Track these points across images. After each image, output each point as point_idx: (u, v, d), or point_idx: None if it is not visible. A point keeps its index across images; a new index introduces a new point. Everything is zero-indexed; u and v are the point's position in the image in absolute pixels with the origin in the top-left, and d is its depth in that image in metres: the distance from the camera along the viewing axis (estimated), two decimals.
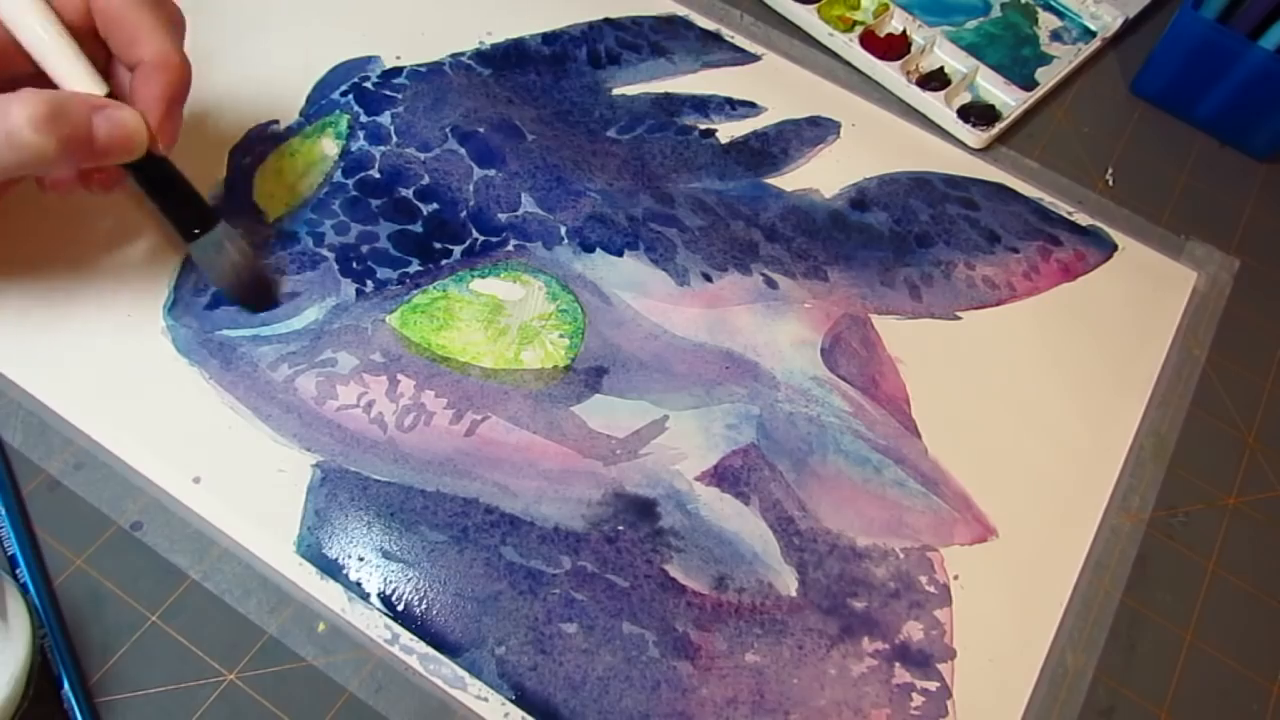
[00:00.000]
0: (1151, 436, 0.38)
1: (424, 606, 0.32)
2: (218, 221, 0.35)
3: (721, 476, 0.35)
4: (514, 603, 0.32)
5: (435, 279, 0.38)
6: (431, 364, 0.36)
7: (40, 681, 0.28)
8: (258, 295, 0.36)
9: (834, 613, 0.33)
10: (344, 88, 0.43)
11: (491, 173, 0.41)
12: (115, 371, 0.35)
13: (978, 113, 0.46)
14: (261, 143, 0.41)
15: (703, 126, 0.44)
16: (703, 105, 0.45)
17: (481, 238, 0.39)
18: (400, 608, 0.31)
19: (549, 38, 0.46)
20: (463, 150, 0.42)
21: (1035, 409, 0.38)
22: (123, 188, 0.34)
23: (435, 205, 0.40)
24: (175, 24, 0.33)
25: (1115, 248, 0.43)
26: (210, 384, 0.35)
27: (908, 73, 0.47)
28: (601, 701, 0.31)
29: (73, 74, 0.31)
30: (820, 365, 0.38)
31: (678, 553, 0.33)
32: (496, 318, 0.37)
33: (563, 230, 0.40)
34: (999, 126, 0.45)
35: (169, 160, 0.33)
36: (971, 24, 0.50)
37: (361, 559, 0.32)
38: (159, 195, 0.34)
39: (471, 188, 0.41)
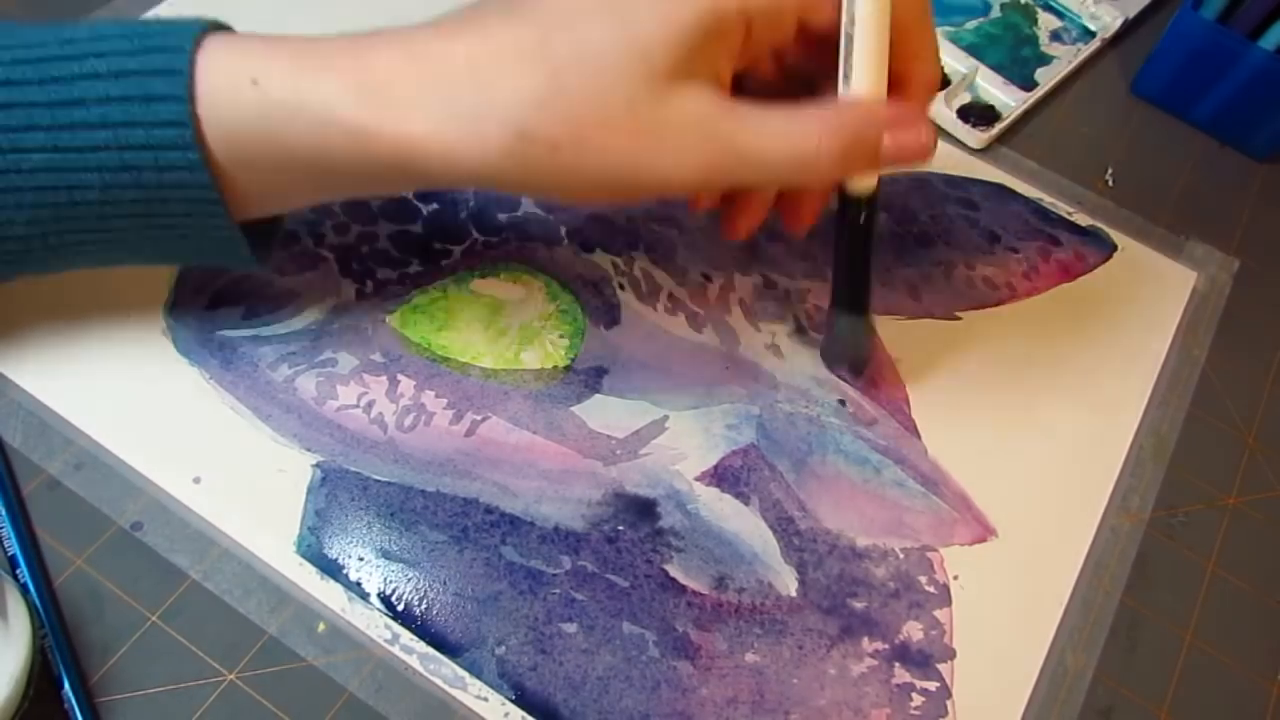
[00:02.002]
0: (1151, 436, 0.38)
1: (424, 606, 0.32)
2: (867, 311, 0.35)
3: (721, 476, 0.35)
4: (514, 602, 0.32)
5: (435, 279, 0.38)
6: (431, 364, 0.36)
7: (40, 681, 0.28)
8: (851, 373, 0.38)
9: (834, 613, 0.33)
10: None
11: None
12: (115, 371, 0.35)
13: (978, 113, 0.46)
14: None
15: None
16: None
17: (481, 238, 0.39)
18: (400, 608, 0.31)
19: None
20: None
21: (1035, 409, 0.38)
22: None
23: (435, 205, 0.40)
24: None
25: (1115, 248, 0.43)
26: (210, 384, 0.35)
27: None
28: (601, 701, 0.31)
29: (871, 71, 0.29)
30: (820, 365, 0.38)
31: (678, 553, 0.33)
32: (496, 318, 0.37)
33: (563, 230, 0.40)
34: (999, 127, 0.45)
35: (877, 211, 0.33)
36: (971, 24, 0.50)
37: (361, 559, 0.32)
38: (850, 246, 0.33)
39: (471, 187, 0.41)
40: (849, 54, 0.29)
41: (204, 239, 0.29)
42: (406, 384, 0.36)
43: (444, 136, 0.26)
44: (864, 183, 0.32)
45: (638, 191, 0.27)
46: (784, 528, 0.34)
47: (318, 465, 0.34)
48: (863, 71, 0.29)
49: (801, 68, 0.31)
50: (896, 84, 0.30)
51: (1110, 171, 0.46)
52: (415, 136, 0.26)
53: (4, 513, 0.32)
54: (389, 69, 0.26)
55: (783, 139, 0.27)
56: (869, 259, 0.34)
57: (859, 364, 0.37)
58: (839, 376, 0.37)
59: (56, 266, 0.30)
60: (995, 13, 0.51)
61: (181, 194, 0.27)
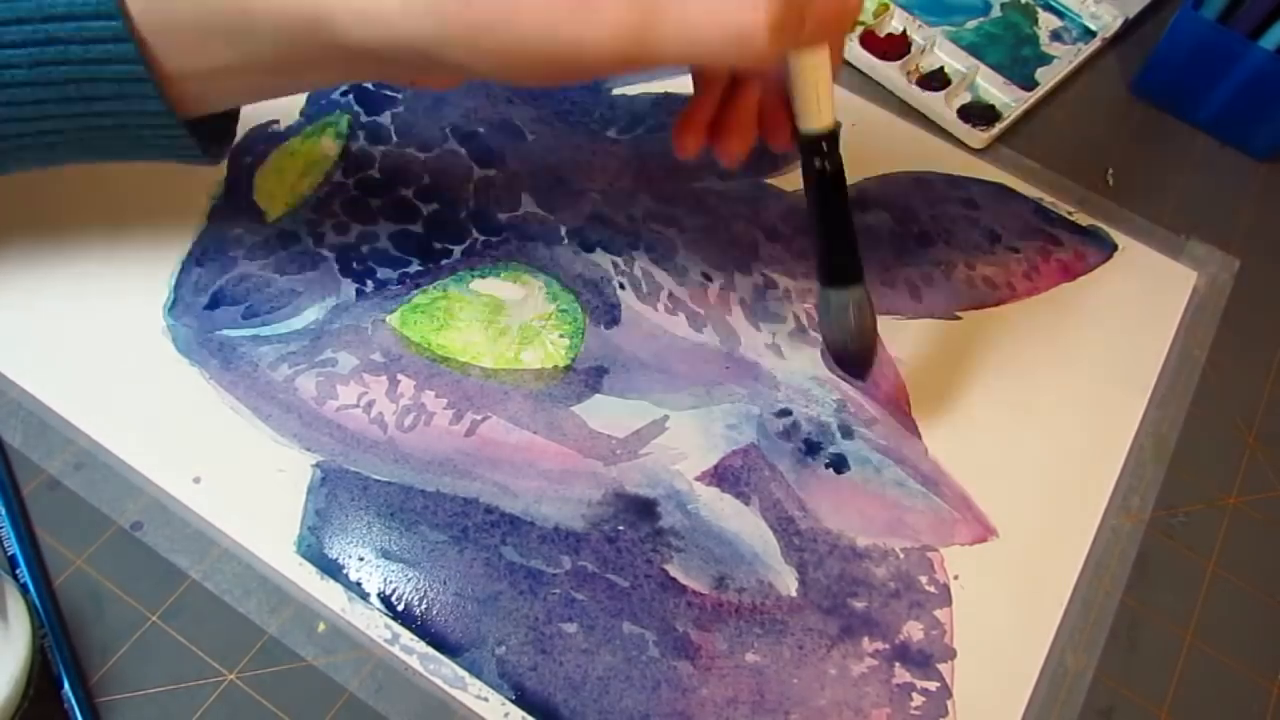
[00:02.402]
0: (1151, 436, 0.38)
1: (424, 606, 0.32)
2: (861, 280, 0.32)
3: (721, 476, 0.35)
4: (514, 602, 0.32)
5: (435, 279, 0.38)
6: (431, 364, 0.36)
7: (40, 681, 0.28)
8: (858, 365, 0.35)
9: (834, 613, 0.33)
10: (344, 87, 0.43)
11: (492, 172, 0.41)
12: (115, 372, 0.35)
13: (978, 113, 0.46)
14: (262, 142, 0.41)
15: None
16: None
17: (482, 238, 0.39)
18: (400, 608, 0.31)
19: None
20: (463, 150, 0.42)
21: (1035, 409, 0.38)
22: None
23: (435, 205, 0.40)
24: None
25: (1115, 248, 0.43)
26: (210, 384, 0.35)
27: (908, 73, 0.47)
28: (601, 701, 0.31)
29: None
30: (820, 365, 0.38)
31: (678, 552, 0.33)
32: (497, 318, 0.37)
33: (563, 230, 0.40)
34: (999, 126, 0.45)
35: (838, 147, 0.30)
36: (971, 24, 0.50)
37: (361, 559, 0.32)
38: (820, 204, 0.31)
39: (472, 188, 0.41)
40: None
41: (143, 129, 0.28)
42: (406, 384, 0.36)
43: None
44: (816, 119, 0.30)
45: (557, 64, 0.25)
46: (784, 528, 0.34)
47: (318, 465, 0.34)
48: None
49: None
50: None
51: (1110, 171, 0.46)
52: None
53: (4, 513, 0.32)
54: None
55: (713, 11, 0.25)
56: (846, 216, 0.31)
57: (864, 350, 0.34)
58: (844, 377, 0.37)
59: (6, 166, 0.30)
60: (996, 12, 0.51)
61: (111, 71, 0.27)
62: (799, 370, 0.38)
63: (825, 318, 0.34)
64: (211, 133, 0.30)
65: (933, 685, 0.32)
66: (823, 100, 0.29)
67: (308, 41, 0.26)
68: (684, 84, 0.45)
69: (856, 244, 0.32)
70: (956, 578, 0.34)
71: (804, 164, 0.31)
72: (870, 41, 0.48)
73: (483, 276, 0.38)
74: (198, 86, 0.28)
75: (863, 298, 0.33)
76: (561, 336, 0.37)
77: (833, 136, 0.30)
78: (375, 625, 0.31)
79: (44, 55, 0.26)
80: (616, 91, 0.45)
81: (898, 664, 0.32)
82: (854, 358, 0.34)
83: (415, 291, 0.38)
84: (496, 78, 0.27)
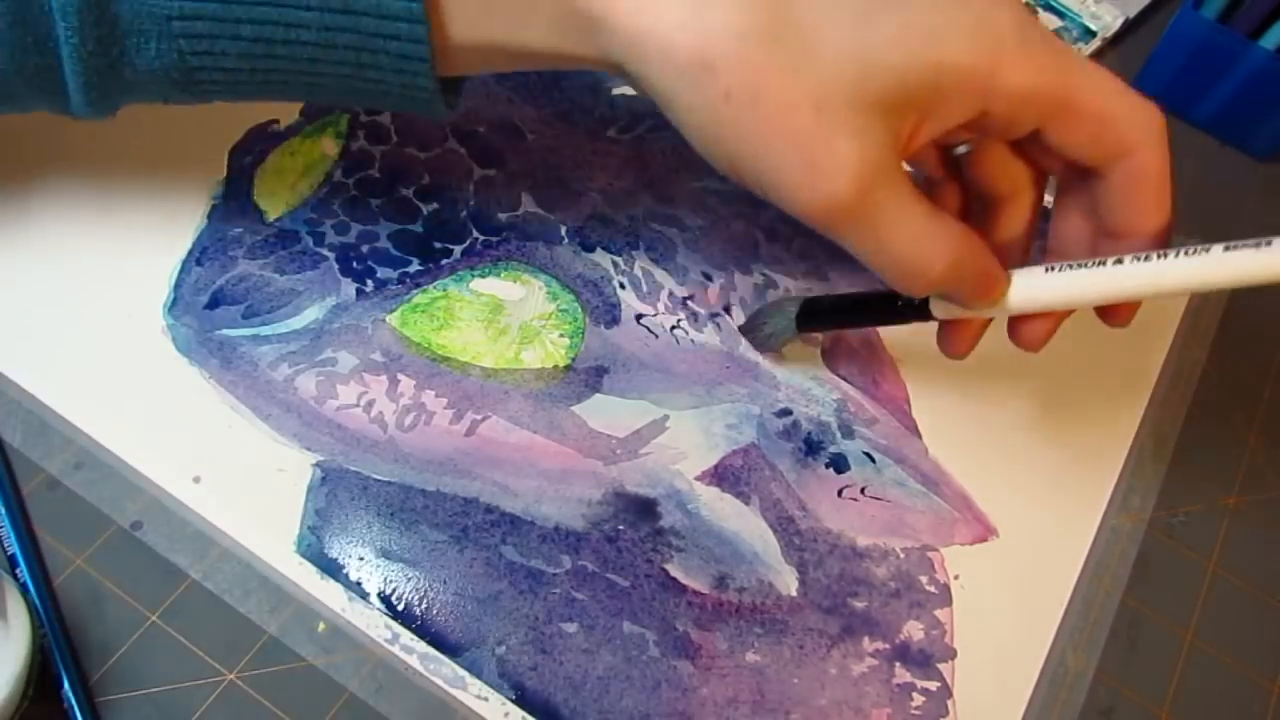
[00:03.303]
0: (1151, 436, 0.38)
1: (424, 606, 0.32)
2: (804, 330, 0.35)
3: (722, 476, 0.35)
4: (514, 602, 0.32)
5: (435, 278, 0.38)
6: (432, 364, 0.36)
7: (40, 681, 0.28)
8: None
9: (834, 612, 0.33)
10: None
11: (492, 172, 0.41)
12: (115, 371, 0.35)
13: None
14: (262, 142, 0.41)
15: None
16: None
17: (482, 237, 0.39)
18: (400, 607, 0.31)
19: None
20: (463, 150, 0.42)
21: (1035, 409, 0.38)
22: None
23: (435, 205, 0.40)
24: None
25: None
26: (210, 384, 0.35)
27: None
28: (602, 701, 0.31)
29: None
30: (820, 365, 0.38)
31: (678, 552, 0.33)
32: (497, 317, 0.37)
33: (563, 230, 0.40)
34: None
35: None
36: None
37: (362, 559, 0.32)
38: (876, 307, 0.33)
39: (472, 187, 0.41)
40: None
41: (403, 92, 0.29)
42: (406, 383, 0.36)
43: (637, 21, 0.25)
44: (943, 308, 0.31)
45: (764, 191, 0.26)
46: (784, 527, 0.34)
47: (318, 465, 0.34)
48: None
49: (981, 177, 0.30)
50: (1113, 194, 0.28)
51: None
52: (612, 12, 0.25)
53: (4, 512, 0.32)
54: None
55: (910, 240, 0.26)
56: (865, 325, 0.35)
57: (766, 349, 0.38)
58: (756, 344, 0.37)
59: (258, 97, 0.30)
60: None
61: (396, 46, 0.27)
62: (799, 370, 0.38)
63: (763, 314, 0.36)
64: (449, 85, 0.30)
65: (933, 685, 0.32)
66: (955, 311, 0.31)
67: (577, 43, 0.27)
68: None
69: (836, 328, 0.37)
70: (957, 578, 0.34)
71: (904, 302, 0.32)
72: None
73: (483, 276, 0.38)
74: (466, 59, 0.28)
75: (790, 334, 0.36)
76: (561, 336, 0.37)
77: (927, 318, 0.32)
78: (375, 625, 0.31)
79: (336, 22, 0.27)
80: (617, 91, 0.45)
81: (898, 664, 0.32)
82: (757, 346, 0.38)
83: (415, 291, 0.38)
84: (701, 155, 0.27)
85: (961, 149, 0.31)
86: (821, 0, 0.25)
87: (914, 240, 0.26)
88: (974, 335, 0.32)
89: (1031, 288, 0.29)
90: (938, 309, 0.31)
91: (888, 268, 0.27)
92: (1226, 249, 0.26)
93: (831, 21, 0.25)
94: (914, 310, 0.31)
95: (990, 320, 0.32)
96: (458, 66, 0.29)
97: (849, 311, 0.34)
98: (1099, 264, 0.27)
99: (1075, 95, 0.26)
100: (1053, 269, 0.29)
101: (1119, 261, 0.27)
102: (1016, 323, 0.31)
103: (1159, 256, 0.27)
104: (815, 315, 0.35)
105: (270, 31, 0.27)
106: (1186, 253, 0.26)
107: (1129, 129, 0.27)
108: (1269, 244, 0.25)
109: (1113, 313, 0.30)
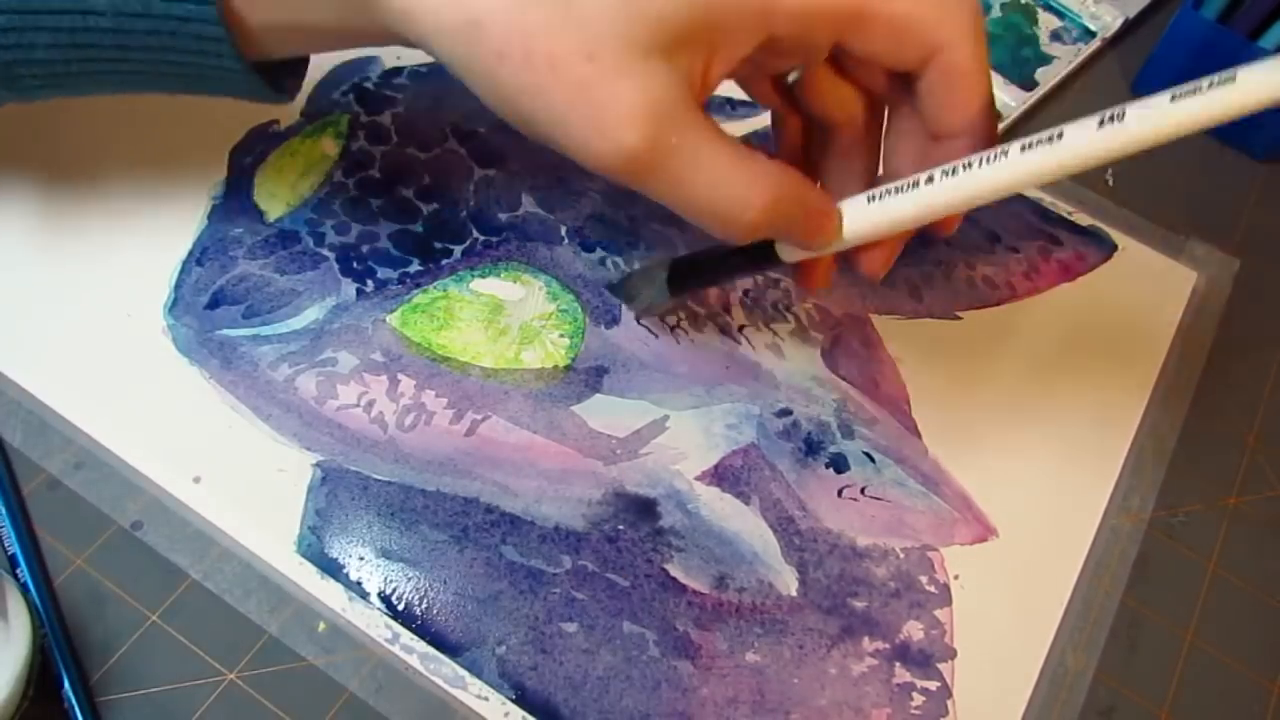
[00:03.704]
0: (1151, 436, 0.38)
1: (424, 606, 0.32)
2: (677, 294, 0.35)
3: (722, 476, 0.35)
4: (514, 602, 0.32)
5: (435, 279, 0.38)
6: (432, 364, 0.36)
7: (40, 681, 0.28)
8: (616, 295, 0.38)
9: (834, 612, 0.33)
10: (345, 87, 0.43)
11: (492, 172, 0.41)
12: (115, 371, 0.35)
13: None
14: (262, 142, 0.41)
15: None
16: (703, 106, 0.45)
17: (482, 237, 0.39)
18: (400, 607, 0.31)
19: None
20: (463, 150, 0.42)
21: (1035, 409, 0.38)
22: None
23: (436, 205, 0.40)
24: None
25: (1115, 248, 0.43)
26: (210, 384, 0.35)
27: None
28: (602, 701, 0.31)
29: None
30: (820, 365, 0.38)
31: (678, 552, 0.33)
32: (497, 318, 0.37)
33: (563, 230, 0.40)
34: (999, 127, 0.45)
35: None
36: None
37: (362, 558, 0.32)
38: (728, 256, 0.33)
39: (472, 187, 0.41)
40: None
41: (220, 75, 0.29)
42: (407, 383, 0.36)
43: (420, 2, 0.25)
44: (788, 252, 0.30)
45: (558, 150, 0.26)
46: (784, 527, 0.34)
47: (318, 465, 0.34)
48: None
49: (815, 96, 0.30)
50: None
51: (1110, 171, 0.46)
52: None
53: (4, 512, 0.32)
54: None
55: (715, 183, 0.25)
56: (728, 278, 0.35)
57: (634, 309, 0.38)
58: (623, 305, 0.38)
59: (85, 91, 0.31)
60: (995, 13, 0.51)
61: (191, 28, 0.27)
62: (799, 370, 0.38)
63: (642, 275, 0.36)
64: (280, 70, 0.31)
65: (933, 685, 0.32)
66: (799, 254, 0.30)
67: (360, 19, 0.27)
68: None
69: (705, 288, 0.37)
70: (956, 578, 0.34)
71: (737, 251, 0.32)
72: None
73: (483, 276, 0.38)
74: (269, 40, 0.29)
75: (665, 304, 0.36)
76: (561, 336, 0.37)
77: (778, 264, 0.31)
78: (375, 625, 0.31)
79: (127, 6, 0.27)
80: None
81: (898, 664, 0.32)
82: (621, 299, 0.38)
83: (415, 291, 0.38)
84: (498, 113, 0.27)
85: (792, 78, 0.30)
86: None
87: (721, 184, 0.25)
88: (826, 270, 0.32)
89: (861, 218, 0.28)
90: (783, 252, 0.30)
91: (699, 215, 0.26)
92: (1023, 149, 0.26)
93: None
94: (765, 257, 0.31)
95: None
96: (265, 47, 0.29)
97: (710, 268, 0.34)
98: (914, 185, 0.27)
99: (866, 4, 0.26)
100: (875, 196, 0.28)
101: (930, 180, 0.27)
102: (855, 254, 0.30)
103: (964, 167, 0.26)
104: (682, 277, 0.34)
105: (69, 21, 0.27)
106: (988, 160, 0.26)
107: (933, 29, 0.26)
108: (1060, 137, 0.25)
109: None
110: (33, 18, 0.27)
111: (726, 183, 0.25)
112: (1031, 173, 0.26)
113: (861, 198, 0.28)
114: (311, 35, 0.29)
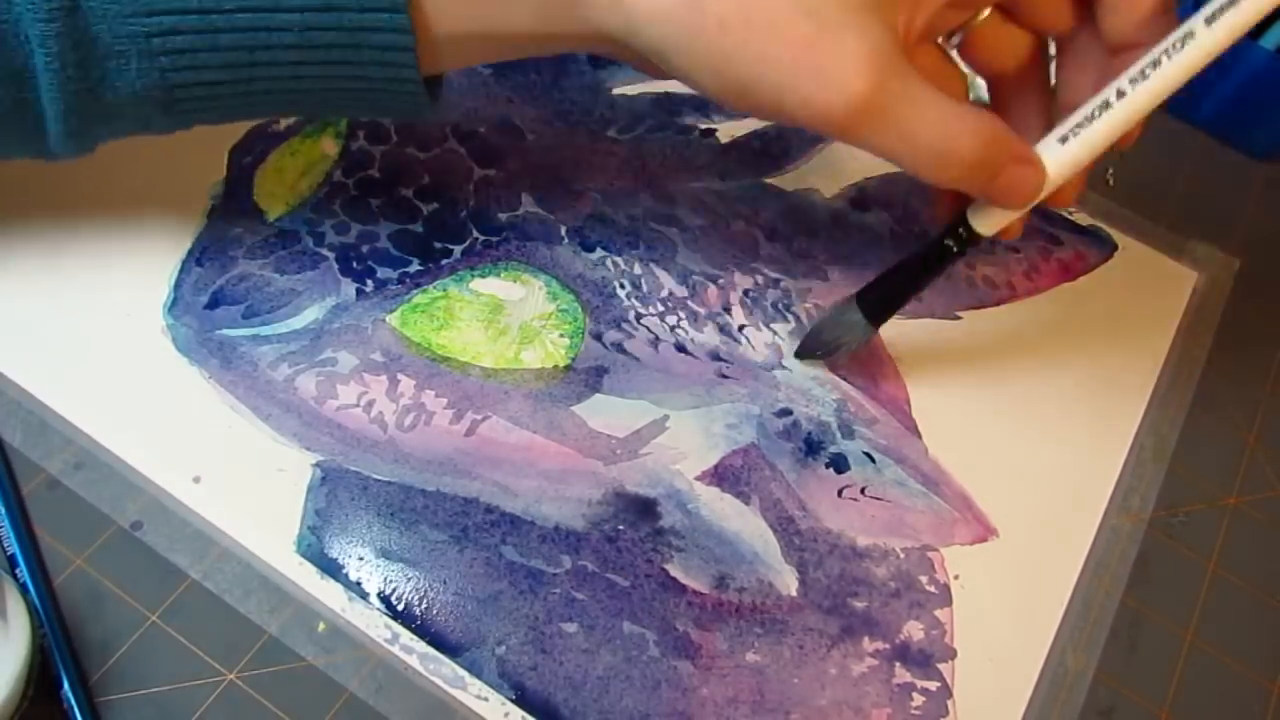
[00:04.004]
0: (1151, 436, 0.38)
1: (424, 606, 0.32)
2: (878, 322, 0.34)
3: (722, 476, 0.35)
4: (514, 602, 0.32)
5: (435, 279, 0.38)
6: (432, 364, 0.36)
7: (40, 681, 0.28)
8: (815, 357, 0.37)
9: (834, 612, 0.33)
10: None
11: (491, 172, 0.41)
12: (115, 371, 0.35)
13: None
14: (262, 142, 0.41)
15: (703, 126, 0.44)
16: (703, 105, 0.45)
17: (482, 237, 0.39)
18: (400, 607, 0.31)
19: None
20: (463, 150, 0.42)
21: (1035, 409, 0.38)
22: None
23: (435, 205, 0.40)
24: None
25: (1115, 248, 0.43)
26: (210, 383, 0.35)
27: None
28: (602, 701, 0.31)
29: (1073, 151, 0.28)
30: (820, 365, 0.38)
31: (678, 552, 0.33)
32: (497, 317, 0.37)
33: (563, 230, 0.40)
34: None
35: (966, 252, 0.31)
36: None
37: (361, 559, 0.32)
38: (922, 264, 0.32)
39: (472, 187, 0.41)
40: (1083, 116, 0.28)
41: (386, 91, 0.29)
42: (406, 383, 0.36)
43: None
44: (986, 226, 0.30)
45: (779, 110, 0.26)
46: (784, 527, 0.34)
47: (318, 465, 0.34)
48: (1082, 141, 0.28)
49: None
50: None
51: (1111, 171, 0.46)
52: None
53: (4, 512, 0.32)
54: None
55: (933, 126, 0.26)
56: (924, 287, 0.33)
57: (838, 359, 0.37)
58: (821, 360, 0.37)
59: (236, 116, 0.30)
60: None
61: (378, 39, 0.27)
62: (799, 370, 0.38)
63: (832, 324, 0.35)
64: (431, 85, 0.30)
65: (933, 685, 0.32)
66: (1001, 219, 0.30)
67: (563, 22, 0.27)
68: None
69: (903, 303, 0.34)
70: (957, 578, 0.34)
71: (944, 234, 0.31)
72: None
73: (483, 276, 0.38)
74: (450, 52, 0.28)
75: (863, 335, 0.35)
76: (561, 336, 0.37)
77: (978, 241, 0.31)
78: (375, 625, 0.31)
79: (318, 21, 0.26)
80: (617, 91, 0.45)
81: (898, 664, 0.32)
82: (821, 355, 0.37)
83: (415, 291, 0.38)
84: (718, 100, 0.27)
85: (956, 40, 0.31)
86: None
87: (940, 123, 0.26)
88: (1021, 222, 0.32)
89: (1061, 160, 0.28)
90: (981, 224, 0.30)
91: (919, 156, 0.27)
92: (1207, 21, 0.26)
93: None
94: (961, 240, 0.31)
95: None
96: (442, 59, 0.29)
97: (904, 280, 0.33)
98: (1105, 106, 0.28)
99: None
100: (1067, 135, 0.28)
101: (1121, 94, 0.27)
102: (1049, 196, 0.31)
103: (1153, 66, 0.27)
104: (877, 304, 0.34)
105: (250, 39, 0.27)
106: (1176, 47, 0.27)
107: None
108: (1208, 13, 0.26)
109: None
110: (211, 37, 0.26)
111: (945, 122, 0.26)
112: (1217, 42, 0.26)
113: (1053, 139, 0.29)
114: (502, 44, 0.28)
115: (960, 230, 0.31)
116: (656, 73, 0.28)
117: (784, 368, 0.38)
